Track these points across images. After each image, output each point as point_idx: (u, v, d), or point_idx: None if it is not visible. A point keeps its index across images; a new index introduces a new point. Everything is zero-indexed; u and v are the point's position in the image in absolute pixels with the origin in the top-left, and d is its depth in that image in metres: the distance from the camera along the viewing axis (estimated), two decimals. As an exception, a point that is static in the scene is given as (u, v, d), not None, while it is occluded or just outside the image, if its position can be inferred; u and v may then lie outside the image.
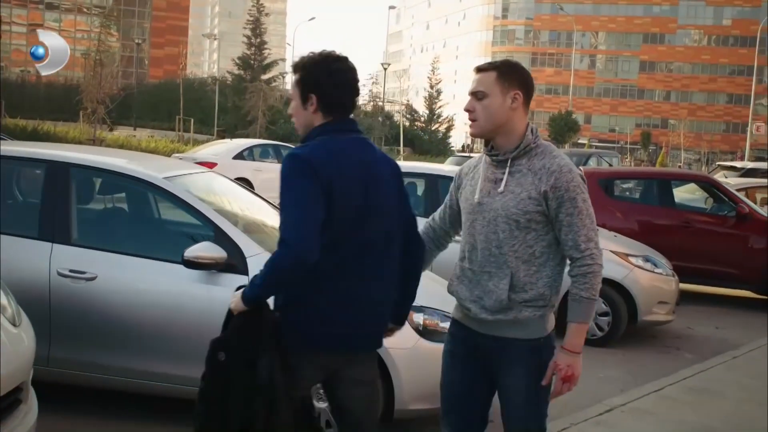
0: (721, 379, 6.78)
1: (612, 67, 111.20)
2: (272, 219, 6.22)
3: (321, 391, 4.85)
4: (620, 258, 8.40)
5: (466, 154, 33.57)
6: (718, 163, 34.89)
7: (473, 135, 3.30)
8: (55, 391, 4.67)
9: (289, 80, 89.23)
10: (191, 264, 4.64)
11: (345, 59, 3.38)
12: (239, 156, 21.22)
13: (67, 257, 5.07)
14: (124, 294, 4.97)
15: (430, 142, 62.16)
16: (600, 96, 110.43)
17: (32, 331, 3.95)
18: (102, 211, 6.13)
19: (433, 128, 67.81)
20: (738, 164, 24.17)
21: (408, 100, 76.49)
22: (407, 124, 61.52)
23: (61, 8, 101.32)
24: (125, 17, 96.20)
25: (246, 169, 20.58)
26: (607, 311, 8.22)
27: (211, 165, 18.42)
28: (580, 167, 14.49)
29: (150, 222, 6.03)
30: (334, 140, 3.27)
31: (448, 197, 3.57)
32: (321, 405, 4.95)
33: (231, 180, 6.82)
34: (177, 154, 20.21)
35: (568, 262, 3.19)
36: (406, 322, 4.88)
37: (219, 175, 6.58)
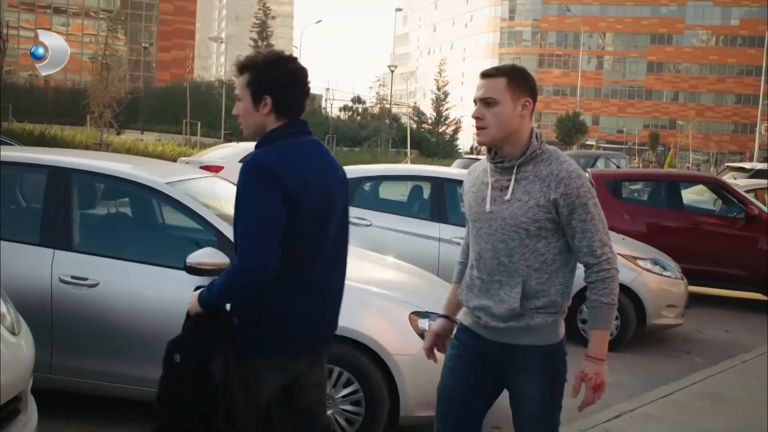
0: (731, 384, 6.70)
1: (619, 68, 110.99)
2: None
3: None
4: (628, 261, 8.33)
5: (474, 157, 33.51)
6: (726, 164, 34.74)
7: (482, 143, 3.18)
8: (57, 399, 4.63)
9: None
10: (193, 270, 4.57)
11: (297, 59, 3.31)
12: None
13: (68, 263, 5.03)
14: (127, 300, 4.93)
15: (437, 144, 62.10)
16: (608, 97, 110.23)
17: (32, 339, 3.91)
18: (104, 217, 6.09)
19: (440, 130, 67.74)
20: (747, 165, 24.00)
21: (415, 102, 76.55)
22: (414, 126, 61.42)
23: (69, 12, 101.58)
24: (132, 21, 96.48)
25: (253, 172, 20.48)
26: (615, 315, 8.13)
27: (217, 168, 18.32)
28: (588, 169, 14.41)
29: (152, 228, 5.98)
30: (294, 145, 3.22)
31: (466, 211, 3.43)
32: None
33: (235, 184, 6.76)
34: (183, 158, 20.15)
35: (579, 266, 3.15)
36: (411, 329, 4.88)
37: (223, 180, 6.53)
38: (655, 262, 8.52)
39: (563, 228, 3.08)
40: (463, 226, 3.57)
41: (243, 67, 3.21)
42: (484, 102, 3.13)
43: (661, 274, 8.43)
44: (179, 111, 46.89)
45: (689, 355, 8.26)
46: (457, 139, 69.20)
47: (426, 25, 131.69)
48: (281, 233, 3.04)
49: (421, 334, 4.87)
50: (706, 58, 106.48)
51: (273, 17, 62.95)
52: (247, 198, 3.04)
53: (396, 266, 6.42)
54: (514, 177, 3.11)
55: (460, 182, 6.25)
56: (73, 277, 4.96)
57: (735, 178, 18.60)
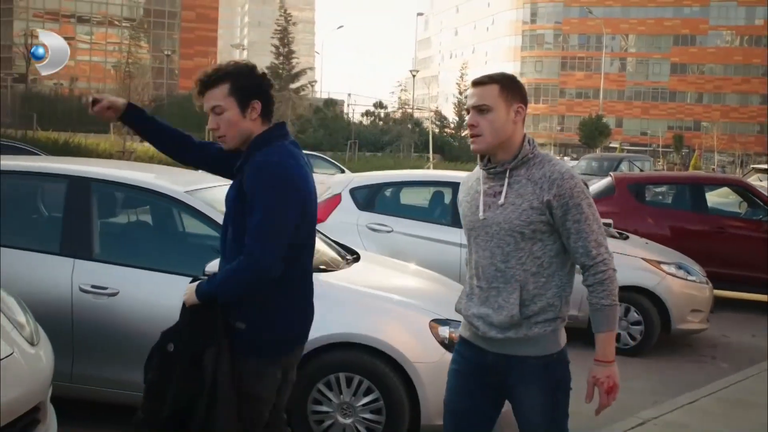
0: (757, 390, 6.59)
1: (642, 69, 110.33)
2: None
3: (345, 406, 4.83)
4: (652, 265, 8.28)
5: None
6: (752, 165, 34.43)
7: (477, 151, 3.18)
8: (77, 408, 4.64)
9: (319, 89, 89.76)
10: (212, 278, 4.58)
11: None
12: (268, 165, 21.21)
13: (88, 273, 5.05)
14: (146, 309, 4.93)
15: (459, 148, 61.92)
16: (631, 99, 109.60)
17: (51, 349, 3.92)
18: (124, 226, 6.11)
19: (462, 135, 67.61)
20: (773, 166, 23.79)
21: (437, 107, 76.53)
22: (436, 130, 61.42)
23: (92, 21, 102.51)
24: (155, 29, 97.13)
25: (275, 178, 20.57)
26: (639, 320, 8.09)
27: (239, 175, 18.48)
28: (611, 173, 14.32)
29: (172, 236, 5.99)
30: (288, 147, 3.29)
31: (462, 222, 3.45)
32: (346, 421, 4.90)
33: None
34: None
35: (578, 268, 3.12)
36: (432, 336, 4.86)
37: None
38: (680, 266, 8.45)
39: (558, 230, 3.06)
40: None
41: (218, 78, 3.23)
42: (478, 109, 3.13)
43: (686, 279, 8.35)
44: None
45: (714, 361, 8.17)
46: (479, 142, 69.06)
47: (447, 29, 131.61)
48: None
49: (442, 342, 4.85)
50: (730, 58, 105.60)
51: (294, 23, 62.95)
52: (263, 197, 3.11)
53: (416, 273, 6.39)
54: (506, 181, 3.11)
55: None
56: (93, 287, 4.98)
57: (761, 180, 18.43)
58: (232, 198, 3.26)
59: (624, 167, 28.00)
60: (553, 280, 3.10)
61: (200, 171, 4.00)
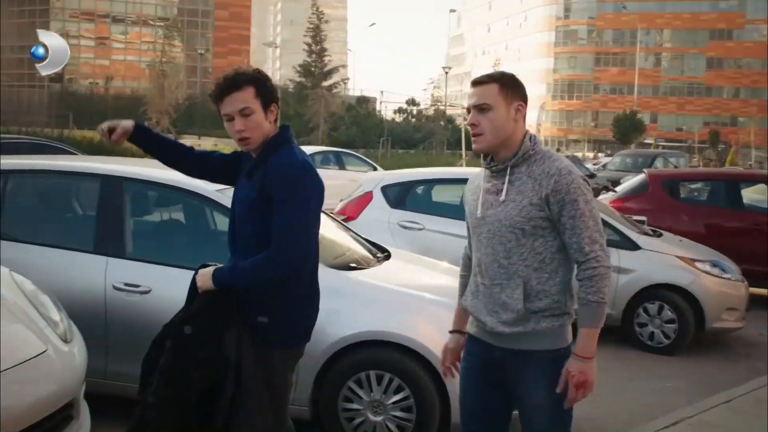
0: (794, 389, 6.51)
1: (678, 64, 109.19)
2: (329, 230, 6.18)
3: (376, 404, 4.84)
4: (686, 263, 8.20)
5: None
6: (789, 161, 33.92)
7: (479, 150, 3.22)
8: (111, 404, 4.68)
9: (352, 86, 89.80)
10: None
11: None
12: (300, 163, 21.25)
13: (121, 271, 5.11)
14: (178, 307, 4.91)
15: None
16: (666, 94, 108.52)
17: (84, 346, 3.97)
18: (156, 224, 6.16)
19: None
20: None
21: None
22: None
23: (127, 21, 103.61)
24: (189, 28, 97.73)
25: (307, 176, 20.63)
26: (673, 318, 8.01)
27: (272, 173, 18.55)
28: (644, 169, 14.20)
29: (204, 234, 6.04)
30: (299, 148, 3.43)
31: (466, 220, 3.47)
32: (377, 418, 4.90)
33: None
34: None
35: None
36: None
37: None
38: (714, 264, 8.35)
39: (556, 225, 3.08)
40: None
41: (246, 80, 3.32)
42: (478, 108, 3.16)
43: (721, 276, 8.26)
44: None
45: (750, 360, 8.06)
46: (512, 139, 68.71)
47: (480, 26, 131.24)
48: None
49: (472, 340, 4.83)
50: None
51: (327, 21, 63.14)
52: (293, 195, 3.25)
53: (448, 271, 6.37)
54: (507, 179, 3.14)
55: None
56: (126, 284, 5.03)
57: (798, 176, 18.15)
58: (250, 198, 3.34)
59: (659, 164, 27.76)
60: (557, 275, 3.12)
61: None
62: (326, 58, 60.96)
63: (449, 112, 68.69)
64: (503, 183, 3.15)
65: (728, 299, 8.22)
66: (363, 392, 4.91)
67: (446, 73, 63.00)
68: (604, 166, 33.43)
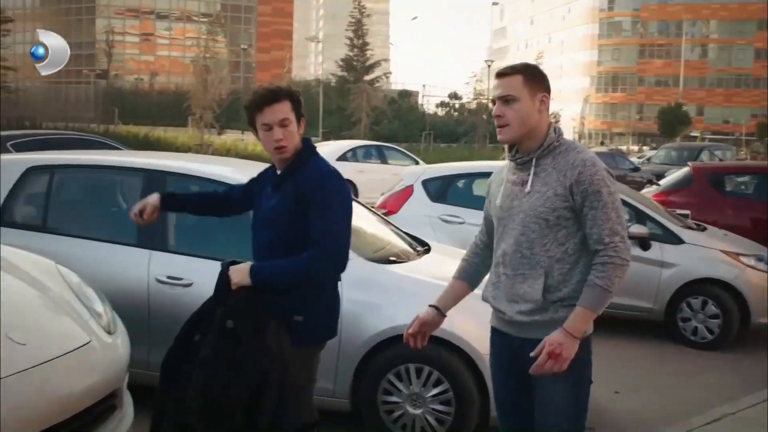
0: (841, 386, 6.40)
1: (725, 56, 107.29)
2: (370, 224, 6.21)
3: (415, 396, 4.86)
4: (731, 258, 8.10)
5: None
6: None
7: (504, 141, 3.23)
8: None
9: (394, 80, 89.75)
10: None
11: None
12: (342, 157, 21.35)
13: (164, 264, 5.19)
14: (219, 300, 5.01)
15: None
16: (713, 86, 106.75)
17: (127, 338, 4.04)
18: (198, 218, 6.21)
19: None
20: None
21: (513, 97, 75.58)
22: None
23: (171, 17, 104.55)
24: (232, 23, 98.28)
25: (349, 170, 20.70)
26: (717, 313, 7.92)
27: (314, 167, 18.64)
28: (689, 162, 14.02)
29: (244, 229, 6.07)
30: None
31: (484, 210, 3.52)
32: (416, 411, 4.92)
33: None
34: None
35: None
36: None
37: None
38: (760, 259, 8.24)
39: (578, 216, 3.09)
40: None
41: (284, 95, 3.59)
42: (504, 100, 3.18)
43: (766, 271, 8.13)
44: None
45: (796, 356, 7.93)
46: (555, 132, 68.21)
47: (523, 19, 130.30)
48: None
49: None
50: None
51: (368, 15, 63.20)
52: (332, 199, 3.54)
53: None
54: (533, 170, 3.16)
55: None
56: (168, 277, 5.11)
57: None
58: (282, 206, 3.55)
59: (704, 157, 27.38)
60: (578, 266, 3.12)
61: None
62: (368, 52, 60.98)
63: (492, 105, 68.36)
64: (528, 174, 3.17)
65: (774, 294, 8.10)
66: (402, 385, 4.93)
67: (489, 66, 62.64)
68: (649, 159, 33.10)
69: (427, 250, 5.97)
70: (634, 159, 33.66)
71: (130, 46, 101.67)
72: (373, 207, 7.65)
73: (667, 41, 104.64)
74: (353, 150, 22.33)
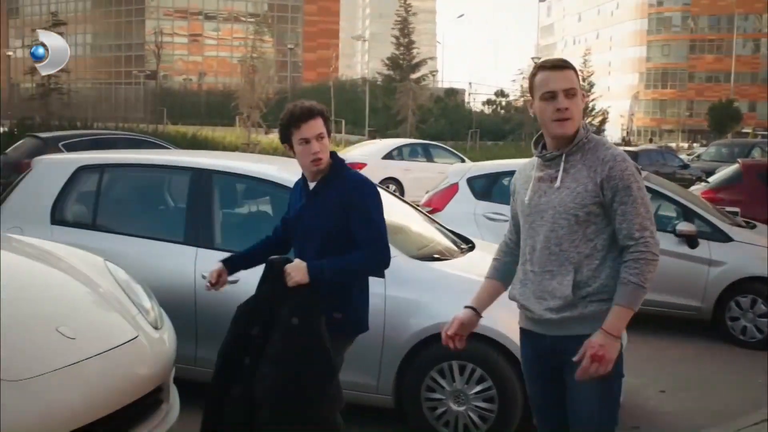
0: None
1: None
2: (414, 222, 6.23)
3: (458, 393, 4.87)
4: (781, 256, 7.95)
5: (621, 148, 32.62)
6: None
7: (565, 135, 3.17)
8: (201, 389, 4.82)
9: (440, 78, 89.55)
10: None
11: None
12: (388, 156, 21.37)
13: (210, 261, 5.22)
14: (264, 296, 5.07)
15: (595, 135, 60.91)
16: (765, 82, 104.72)
17: (174, 333, 4.11)
18: (244, 216, 6.30)
19: (586, 122, 66.24)
20: None
21: (560, 94, 75.05)
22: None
23: (219, 18, 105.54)
24: (279, 23, 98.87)
25: (395, 168, 20.75)
26: (766, 312, 7.79)
27: (360, 166, 18.70)
28: (739, 159, 13.80)
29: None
30: None
31: (510, 208, 3.53)
32: (459, 408, 4.93)
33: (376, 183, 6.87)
34: (328, 156, 20.55)
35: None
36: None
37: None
38: (811, 257, 8.07)
39: (608, 211, 3.09)
40: None
41: (318, 112, 3.86)
42: (567, 93, 3.16)
43: (817, 269, 7.98)
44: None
45: None
46: (603, 130, 67.56)
47: (570, 15, 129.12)
48: None
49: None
50: None
51: (414, 14, 63.00)
52: (372, 206, 3.88)
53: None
54: (562, 166, 3.15)
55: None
56: (215, 274, 5.16)
57: None
58: (322, 215, 3.83)
59: (756, 154, 26.89)
60: (607, 261, 3.11)
61: None
62: (414, 51, 60.86)
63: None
64: (557, 171, 3.16)
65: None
66: (445, 382, 4.94)
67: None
68: (698, 156, 32.64)
69: (471, 248, 5.97)
70: (683, 156, 33.20)
71: (178, 47, 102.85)
72: (418, 205, 7.66)
73: (718, 36, 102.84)
74: (399, 148, 22.32)
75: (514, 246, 3.48)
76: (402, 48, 60.53)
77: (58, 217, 5.79)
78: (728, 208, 9.32)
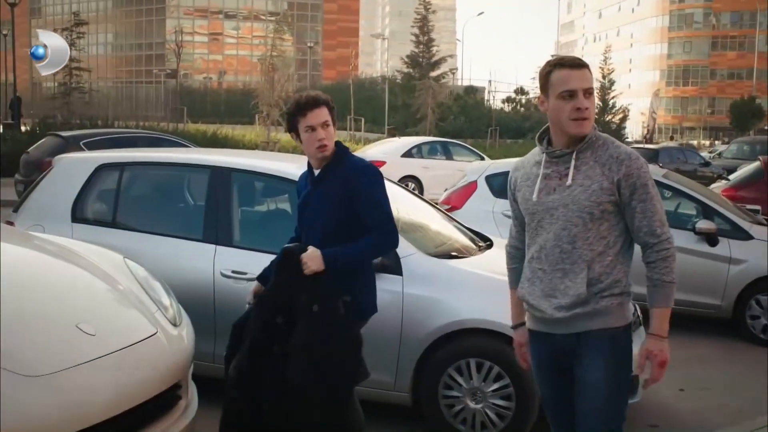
0: None
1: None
2: (432, 220, 6.24)
3: (477, 390, 4.87)
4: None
5: (642, 145, 32.49)
6: None
7: (583, 134, 3.14)
8: (220, 386, 4.84)
9: (460, 76, 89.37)
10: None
11: None
12: (407, 154, 21.36)
13: (229, 259, 5.28)
14: (283, 294, 5.09)
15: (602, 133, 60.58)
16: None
17: (192, 330, 4.14)
18: (263, 214, 6.33)
19: (606, 119, 65.96)
20: None
21: (580, 92, 74.71)
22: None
23: (239, 17, 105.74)
24: (299, 22, 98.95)
25: (414, 166, 20.73)
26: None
27: (380, 163, 18.71)
28: (760, 156, 13.70)
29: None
30: None
31: (511, 209, 3.50)
32: (476, 406, 4.93)
33: (392, 181, 6.88)
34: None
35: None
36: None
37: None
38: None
39: (624, 209, 3.11)
40: None
41: (323, 101, 4.00)
42: (586, 92, 3.14)
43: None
44: (344, 107, 47.89)
45: None
46: (624, 127, 67.23)
47: (591, 12, 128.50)
48: None
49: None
50: None
51: (434, 12, 62.95)
52: (378, 190, 3.99)
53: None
54: (573, 163, 3.14)
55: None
56: (233, 272, 5.20)
57: None
58: (328, 199, 3.94)
59: (779, 151, 26.65)
60: (618, 257, 3.14)
61: None
62: (434, 49, 60.78)
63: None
64: (567, 168, 3.14)
65: None
66: (463, 380, 4.95)
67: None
68: (720, 154, 32.41)
69: (489, 246, 5.96)
70: (704, 154, 32.98)
71: (198, 46, 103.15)
72: (436, 203, 7.67)
73: (741, 33, 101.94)
74: (418, 146, 22.30)
75: (525, 248, 3.42)
76: (421, 46, 60.47)
77: (78, 215, 5.84)
78: (749, 206, 9.28)
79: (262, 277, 4.31)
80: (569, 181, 3.13)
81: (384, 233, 3.97)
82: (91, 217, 5.93)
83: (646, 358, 3.11)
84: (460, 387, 4.95)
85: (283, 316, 3.84)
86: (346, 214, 3.91)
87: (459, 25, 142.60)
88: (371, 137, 42.10)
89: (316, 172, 4.05)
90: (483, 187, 9.21)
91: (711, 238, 7.93)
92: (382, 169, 7.61)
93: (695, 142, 62.90)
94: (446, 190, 10.12)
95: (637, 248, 3.20)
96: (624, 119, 67.24)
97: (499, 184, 9.13)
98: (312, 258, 3.83)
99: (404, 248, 5.02)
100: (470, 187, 9.39)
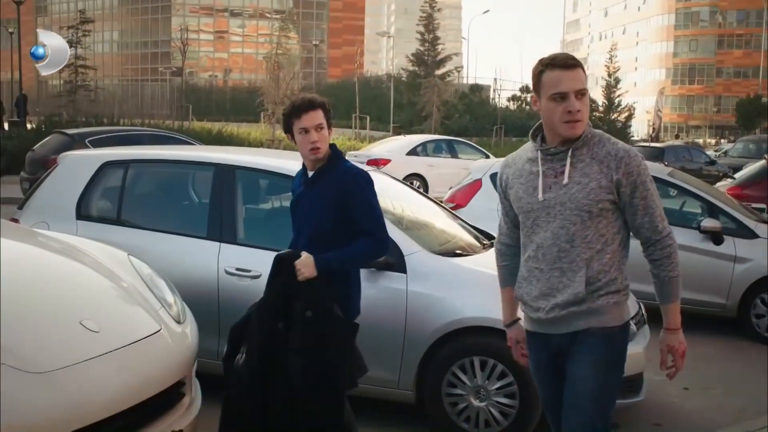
0: None
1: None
2: (436, 218, 6.24)
3: (480, 389, 4.87)
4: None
5: (647, 144, 32.43)
6: None
7: (576, 137, 3.11)
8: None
9: (465, 74, 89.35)
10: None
11: None
12: (413, 152, 21.35)
13: (233, 256, 5.29)
14: (287, 291, 5.09)
15: (609, 132, 60.00)
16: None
17: (196, 327, 4.14)
18: (267, 211, 6.33)
19: (612, 118, 65.79)
20: None
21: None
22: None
23: (244, 15, 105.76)
24: (304, 20, 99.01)
25: (419, 164, 20.72)
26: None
27: (384, 162, 18.72)
28: (765, 155, 13.66)
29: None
30: None
31: (501, 207, 3.46)
32: (480, 404, 4.93)
33: (397, 179, 6.89)
34: (352, 152, 20.59)
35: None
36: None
37: (383, 174, 6.65)
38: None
39: (623, 207, 3.10)
40: None
41: (319, 104, 4.04)
42: (579, 93, 3.09)
43: None
44: (350, 105, 47.87)
45: None
46: (629, 126, 67.05)
47: (597, 10, 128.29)
48: None
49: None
50: None
51: (439, 9, 62.87)
52: (369, 195, 4.04)
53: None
54: (569, 161, 3.10)
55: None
56: (237, 269, 5.21)
57: None
58: (320, 202, 3.99)
59: (785, 150, 26.58)
60: (616, 255, 3.14)
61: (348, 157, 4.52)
62: (439, 47, 60.76)
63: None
64: (563, 165, 3.10)
65: None
66: (467, 378, 4.95)
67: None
68: (725, 152, 32.34)
69: (494, 244, 5.94)
70: (710, 152, 32.91)
71: (204, 44, 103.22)
72: (440, 201, 7.66)
73: (747, 31, 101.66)
74: (423, 144, 22.28)
75: (516, 245, 3.40)
76: (427, 44, 60.45)
77: (83, 213, 5.85)
78: (754, 205, 9.27)
79: None
80: (566, 179, 3.09)
81: (377, 239, 4.02)
82: (96, 214, 5.94)
83: (668, 353, 3.18)
84: (464, 385, 4.95)
85: (283, 322, 3.88)
86: (337, 216, 3.97)
87: (464, 23, 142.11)
88: (376, 135, 42.06)
89: (310, 173, 4.10)
90: (487, 185, 9.20)
91: (716, 237, 7.92)
92: (386, 167, 7.69)
93: (701, 141, 62.74)
94: (451, 188, 10.11)
95: (636, 245, 3.19)
96: (629, 118, 66.97)
97: (503, 182, 9.11)
98: (305, 264, 3.88)
99: (408, 246, 5.03)
100: (475, 185, 9.38)
